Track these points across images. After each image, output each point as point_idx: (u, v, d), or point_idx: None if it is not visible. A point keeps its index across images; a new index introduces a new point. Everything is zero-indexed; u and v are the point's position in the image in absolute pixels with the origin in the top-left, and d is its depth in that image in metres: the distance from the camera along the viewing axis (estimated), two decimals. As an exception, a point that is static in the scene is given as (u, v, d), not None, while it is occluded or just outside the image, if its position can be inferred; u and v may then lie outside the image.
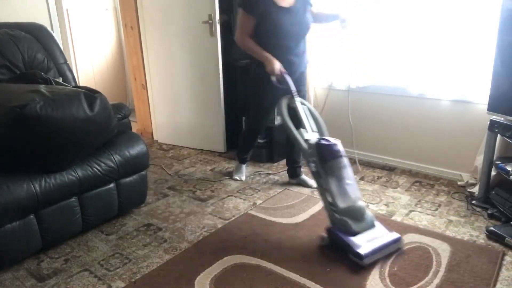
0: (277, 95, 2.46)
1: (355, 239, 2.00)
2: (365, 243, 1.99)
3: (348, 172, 2.08)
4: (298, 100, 2.33)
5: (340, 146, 2.09)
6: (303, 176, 2.96)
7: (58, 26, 3.34)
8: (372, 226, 2.07)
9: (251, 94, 2.82)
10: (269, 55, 2.45)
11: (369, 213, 2.09)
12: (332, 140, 2.10)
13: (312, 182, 2.86)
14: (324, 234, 2.15)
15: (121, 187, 2.38)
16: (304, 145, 2.15)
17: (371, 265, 1.96)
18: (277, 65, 2.42)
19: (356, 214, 2.05)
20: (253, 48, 2.50)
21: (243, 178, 3.06)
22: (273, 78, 2.43)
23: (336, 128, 3.52)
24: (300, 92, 2.55)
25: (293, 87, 2.36)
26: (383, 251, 2.01)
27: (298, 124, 2.25)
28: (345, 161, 2.08)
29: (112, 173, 2.29)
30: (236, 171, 3.10)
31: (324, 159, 2.05)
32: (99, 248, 2.19)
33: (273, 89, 2.48)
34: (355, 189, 2.10)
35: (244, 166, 3.11)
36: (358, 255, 1.94)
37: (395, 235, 2.07)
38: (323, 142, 2.08)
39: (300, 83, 2.65)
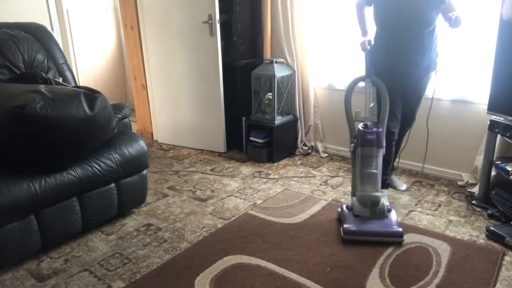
0: (392, 86, 2.39)
1: (350, 217, 2.25)
2: (357, 223, 2.20)
3: (376, 162, 2.19)
4: (368, 81, 2.30)
5: (377, 136, 2.17)
6: (393, 176, 2.90)
7: (58, 26, 3.34)
8: (380, 216, 2.21)
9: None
10: (365, 31, 2.50)
11: (383, 205, 2.22)
12: (375, 128, 2.18)
13: (400, 185, 2.85)
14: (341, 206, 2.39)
15: (121, 187, 2.38)
16: (353, 125, 2.30)
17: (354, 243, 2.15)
18: (366, 40, 2.38)
19: (366, 202, 2.22)
20: (358, 18, 2.53)
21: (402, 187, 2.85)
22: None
23: (335, 129, 3.53)
24: (408, 106, 2.58)
25: (368, 67, 2.31)
26: (372, 237, 2.15)
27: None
28: (377, 151, 2.18)
29: (112, 173, 2.29)
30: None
31: (359, 144, 2.20)
32: (99, 248, 2.20)
33: (386, 79, 2.35)
34: (376, 180, 2.21)
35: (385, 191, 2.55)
36: (342, 228, 2.20)
37: (395, 229, 2.16)
38: (364, 128, 2.19)
39: (412, 92, 2.56)
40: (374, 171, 2.20)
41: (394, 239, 2.14)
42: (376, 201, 2.21)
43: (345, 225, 2.20)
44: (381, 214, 2.21)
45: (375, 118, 2.29)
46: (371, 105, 2.31)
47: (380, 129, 2.20)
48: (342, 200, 2.71)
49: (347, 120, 2.32)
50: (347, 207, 2.32)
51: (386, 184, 2.77)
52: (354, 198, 2.29)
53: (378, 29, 2.49)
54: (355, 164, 2.28)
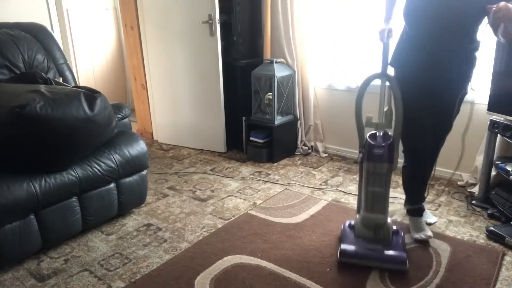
0: (425, 104, 2.01)
1: (351, 237, 2.05)
2: (357, 245, 1.99)
3: (384, 180, 1.94)
4: (384, 79, 1.94)
5: (387, 150, 1.89)
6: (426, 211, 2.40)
7: (58, 26, 3.34)
8: (384, 240, 1.99)
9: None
10: (389, 17, 2.01)
11: (388, 228, 1.99)
12: (384, 141, 1.90)
13: (430, 217, 2.39)
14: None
15: (121, 187, 2.38)
16: (362, 132, 1.99)
17: (356, 268, 1.94)
18: (387, 29, 1.92)
19: (369, 224, 2.01)
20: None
21: (429, 233, 2.17)
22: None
23: (335, 129, 3.53)
24: (442, 123, 2.10)
25: (384, 62, 1.94)
26: (372, 261, 1.94)
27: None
28: (386, 167, 1.91)
29: (112, 173, 2.29)
30: (415, 227, 2.22)
31: (365, 157, 1.93)
32: (99, 248, 2.19)
33: (420, 94, 2.00)
34: (383, 199, 1.97)
35: (421, 219, 2.25)
36: (339, 249, 1.99)
37: (398, 255, 1.92)
38: (371, 140, 1.92)
39: (449, 105, 2.06)
40: (381, 189, 1.95)
41: (396, 266, 1.90)
42: (380, 224, 1.98)
43: (342, 246, 1.99)
44: (385, 237, 1.99)
45: (388, 125, 1.96)
46: (385, 109, 1.97)
47: (391, 141, 1.90)
48: (342, 200, 2.71)
49: (356, 126, 2.01)
50: (349, 225, 2.12)
51: (422, 210, 2.28)
52: (358, 216, 2.07)
53: (407, 27, 2.00)
54: (361, 177, 2.02)
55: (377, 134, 1.94)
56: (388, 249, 1.95)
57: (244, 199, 2.74)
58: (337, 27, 3.28)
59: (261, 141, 3.41)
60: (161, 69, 3.78)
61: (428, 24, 1.91)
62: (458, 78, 2.01)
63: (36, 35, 2.65)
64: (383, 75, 1.94)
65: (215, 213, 2.56)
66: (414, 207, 2.26)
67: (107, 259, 2.10)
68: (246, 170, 3.27)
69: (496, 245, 2.13)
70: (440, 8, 1.86)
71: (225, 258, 2.06)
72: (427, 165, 2.20)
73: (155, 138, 4.12)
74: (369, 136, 1.94)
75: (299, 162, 3.42)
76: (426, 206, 2.50)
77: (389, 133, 1.95)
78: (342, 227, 2.19)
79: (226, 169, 3.30)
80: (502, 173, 2.38)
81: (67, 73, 2.73)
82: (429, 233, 2.16)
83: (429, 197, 2.70)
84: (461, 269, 1.93)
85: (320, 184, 2.96)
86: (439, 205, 2.59)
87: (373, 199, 1.97)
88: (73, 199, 2.16)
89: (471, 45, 1.93)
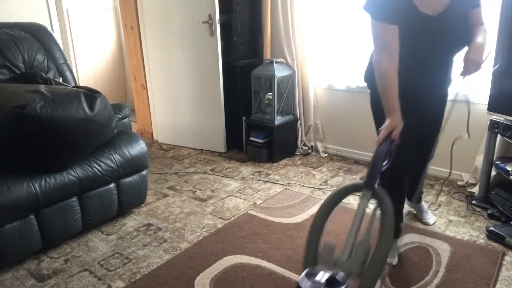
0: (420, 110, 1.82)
1: None
2: None
3: None
4: (367, 196, 1.39)
5: None
6: (423, 204, 2.41)
7: (58, 26, 3.34)
8: None
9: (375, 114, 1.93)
10: (397, 107, 1.62)
11: None
12: (326, 285, 1.16)
13: (429, 217, 2.36)
14: None
15: (121, 187, 2.38)
16: (305, 267, 1.30)
17: None
18: (398, 128, 1.61)
19: None
20: (390, 86, 1.63)
21: (394, 261, 1.97)
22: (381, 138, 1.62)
23: (335, 129, 3.53)
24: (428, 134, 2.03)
25: (374, 172, 1.45)
26: None
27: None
28: None
29: (112, 173, 2.29)
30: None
31: None
32: (99, 248, 2.20)
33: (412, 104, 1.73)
34: None
35: (397, 242, 2.04)
36: None
37: None
38: (309, 281, 1.17)
39: (436, 114, 2.01)
40: None
41: None
42: None
43: None
44: None
45: (356, 268, 1.23)
46: (359, 240, 1.29)
47: None
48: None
49: (303, 257, 1.36)
50: None
51: (399, 232, 2.05)
52: None
53: (403, 60, 1.66)
54: None
55: (322, 273, 1.19)
56: None
57: (244, 199, 2.74)
58: (337, 27, 3.27)
59: (261, 141, 3.41)
60: (161, 69, 3.78)
61: (426, 44, 1.71)
62: (447, 77, 1.91)
63: (36, 35, 2.65)
64: (367, 187, 1.36)
65: (215, 213, 2.56)
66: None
67: (107, 259, 2.10)
68: (246, 170, 3.27)
69: (496, 245, 2.13)
70: (436, 28, 1.68)
71: (225, 258, 2.06)
72: (403, 189, 1.97)
73: (155, 138, 4.12)
74: (306, 274, 1.21)
75: (299, 162, 3.42)
76: (426, 206, 2.51)
77: (345, 278, 1.21)
78: None
79: (226, 169, 3.30)
80: (502, 173, 2.38)
81: (67, 73, 2.73)
82: (395, 260, 1.98)
83: (429, 197, 2.70)
84: (461, 269, 1.93)
85: (320, 184, 2.97)
86: (439, 205, 2.59)
87: None
88: (73, 199, 2.17)
89: (450, 67, 1.87)
